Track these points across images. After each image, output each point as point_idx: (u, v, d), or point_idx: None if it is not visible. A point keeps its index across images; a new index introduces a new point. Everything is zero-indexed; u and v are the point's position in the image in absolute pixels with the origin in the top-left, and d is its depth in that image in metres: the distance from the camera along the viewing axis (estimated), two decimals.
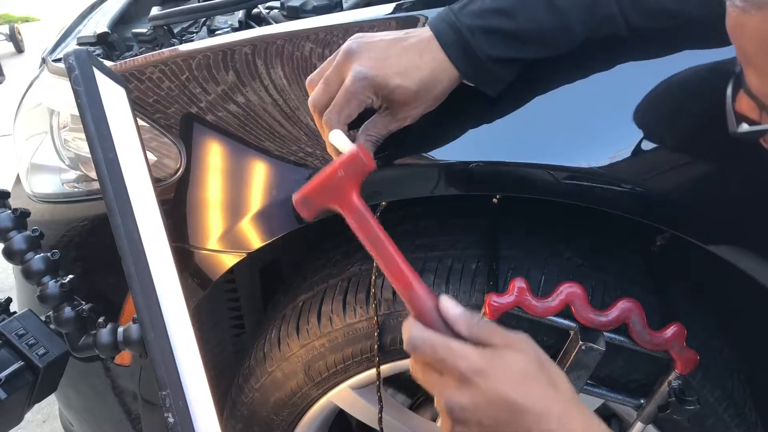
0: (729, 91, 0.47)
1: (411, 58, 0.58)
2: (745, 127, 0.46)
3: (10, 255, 0.65)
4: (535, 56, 0.60)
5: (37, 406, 0.63)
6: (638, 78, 0.63)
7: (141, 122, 0.76)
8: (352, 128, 0.60)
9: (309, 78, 0.63)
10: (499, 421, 0.47)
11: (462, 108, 0.65)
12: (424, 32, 0.59)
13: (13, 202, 0.69)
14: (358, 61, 0.57)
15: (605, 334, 0.69)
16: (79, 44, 0.97)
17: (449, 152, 0.66)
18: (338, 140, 0.59)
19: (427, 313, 0.52)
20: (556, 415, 0.47)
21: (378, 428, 0.90)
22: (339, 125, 0.59)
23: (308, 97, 0.61)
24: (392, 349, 0.82)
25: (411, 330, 0.50)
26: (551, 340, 0.74)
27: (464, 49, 0.58)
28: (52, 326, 0.65)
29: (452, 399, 0.48)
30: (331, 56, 0.61)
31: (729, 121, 0.47)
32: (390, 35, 0.60)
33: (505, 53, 0.58)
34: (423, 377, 0.51)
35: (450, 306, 0.52)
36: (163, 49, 0.83)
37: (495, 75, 0.60)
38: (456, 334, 0.50)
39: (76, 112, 0.56)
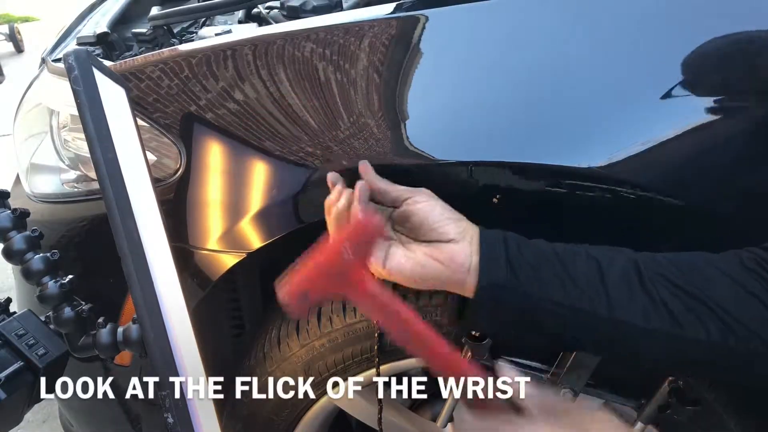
0: None
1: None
2: None
3: (9, 255, 0.65)
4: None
5: (37, 406, 0.63)
6: (634, 76, 0.63)
7: (141, 122, 0.75)
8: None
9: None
10: None
11: (462, 108, 0.65)
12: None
13: (13, 202, 0.69)
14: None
15: None
16: (79, 44, 0.97)
17: (449, 152, 0.66)
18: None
19: (487, 394, 0.44)
20: None
21: (378, 428, 0.90)
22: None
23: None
24: (392, 350, 0.82)
25: None
26: None
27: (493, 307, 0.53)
28: (51, 326, 0.64)
29: None
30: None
31: None
32: None
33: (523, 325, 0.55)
34: None
35: (511, 373, 0.47)
36: (163, 49, 0.83)
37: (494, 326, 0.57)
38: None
39: (76, 112, 0.56)
